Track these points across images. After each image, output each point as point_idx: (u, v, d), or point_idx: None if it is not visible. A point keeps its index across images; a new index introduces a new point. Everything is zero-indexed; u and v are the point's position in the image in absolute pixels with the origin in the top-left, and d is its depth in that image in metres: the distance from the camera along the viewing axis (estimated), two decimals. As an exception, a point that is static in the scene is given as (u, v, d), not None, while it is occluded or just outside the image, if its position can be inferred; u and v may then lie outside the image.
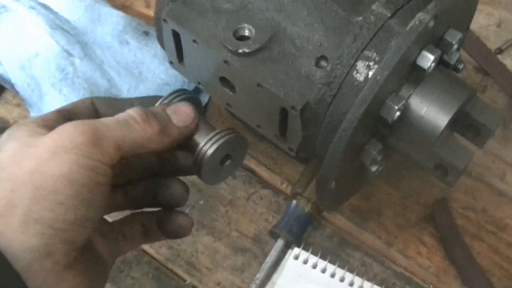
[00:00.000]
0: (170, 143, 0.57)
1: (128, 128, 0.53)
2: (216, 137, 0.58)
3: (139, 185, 0.63)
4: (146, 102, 0.60)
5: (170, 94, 0.61)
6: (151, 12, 0.99)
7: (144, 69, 0.89)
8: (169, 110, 0.58)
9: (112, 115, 0.57)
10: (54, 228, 0.48)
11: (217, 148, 0.58)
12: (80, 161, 0.50)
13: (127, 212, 0.64)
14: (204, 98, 0.89)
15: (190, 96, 0.62)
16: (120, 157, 0.53)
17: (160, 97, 0.63)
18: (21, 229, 0.48)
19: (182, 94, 0.61)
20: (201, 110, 0.63)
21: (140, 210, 0.64)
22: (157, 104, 0.61)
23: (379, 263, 0.80)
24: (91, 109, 0.59)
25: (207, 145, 0.58)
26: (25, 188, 0.49)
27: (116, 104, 0.60)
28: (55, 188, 0.49)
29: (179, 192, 0.62)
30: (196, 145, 0.59)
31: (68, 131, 0.51)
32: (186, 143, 0.59)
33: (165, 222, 0.62)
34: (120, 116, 0.54)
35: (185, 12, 0.68)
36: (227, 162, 0.61)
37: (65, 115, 0.56)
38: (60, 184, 0.49)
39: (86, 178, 0.50)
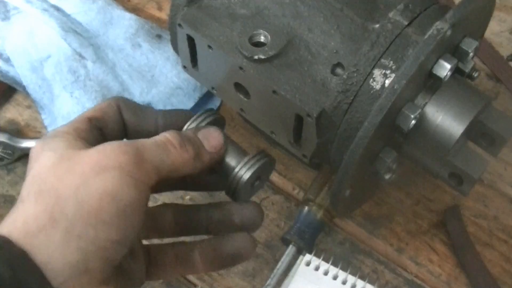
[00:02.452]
0: (203, 167, 0.58)
1: (166, 152, 0.54)
2: (251, 163, 0.60)
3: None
4: (170, 116, 0.61)
5: (199, 116, 0.62)
6: (163, 15, 0.99)
7: (156, 72, 0.89)
8: (200, 135, 0.58)
9: (137, 124, 0.59)
10: (95, 245, 0.48)
11: (252, 174, 0.59)
12: (124, 180, 0.50)
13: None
14: (216, 102, 0.89)
15: (217, 117, 0.63)
16: (158, 180, 0.53)
17: (183, 111, 0.63)
18: (63, 244, 0.48)
19: (209, 116, 0.62)
20: (224, 129, 0.64)
21: (179, 240, 0.63)
22: (185, 126, 0.61)
23: (390, 270, 0.80)
24: (119, 117, 0.59)
25: (242, 170, 0.59)
26: (68, 204, 0.48)
27: (141, 114, 0.60)
28: (99, 206, 0.49)
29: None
30: (228, 169, 0.60)
31: (110, 150, 0.51)
32: (217, 165, 0.60)
33: (220, 249, 0.61)
34: (158, 139, 0.55)
35: (200, 17, 0.68)
36: (257, 183, 0.62)
37: (97, 124, 0.57)
38: (104, 201, 0.49)
39: (129, 196, 0.50)
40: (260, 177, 0.62)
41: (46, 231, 0.48)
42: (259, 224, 0.63)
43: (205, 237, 0.64)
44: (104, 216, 0.49)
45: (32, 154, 0.53)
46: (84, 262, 0.48)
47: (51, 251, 0.47)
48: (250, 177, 0.59)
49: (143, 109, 0.61)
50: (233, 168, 0.60)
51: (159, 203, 0.65)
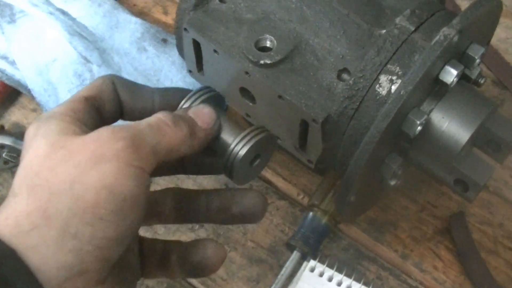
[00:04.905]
0: (199, 145, 0.55)
1: (161, 132, 0.51)
2: (247, 138, 0.57)
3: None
4: (167, 93, 0.59)
5: (193, 94, 0.59)
6: (168, 19, 0.99)
7: (162, 76, 0.89)
8: (191, 113, 0.56)
9: (133, 102, 0.56)
10: (92, 245, 0.45)
11: (249, 149, 0.57)
12: (122, 170, 0.47)
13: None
14: (222, 106, 0.89)
15: (212, 94, 0.60)
16: (157, 163, 0.50)
17: (180, 88, 0.61)
18: (58, 244, 0.45)
19: (204, 94, 0.59)
20: (224, 107, 0.61)
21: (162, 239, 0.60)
22: (180, 105, 0.59)
23: (395, 276, 0.79)
24: (115, 95, 0.56)
25: (238, 146, 0.56)
26: (63, 199, 0.45)
27: (138, 91, 0.58)
28: (96, 201, 0.46)
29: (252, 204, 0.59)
30: (224, 145, 0.57)
31: (106, 137, 0.48)
32: (213, 144, 0.57)
33: (189, 254, 0.58)
34: (151, 120, 0.52)
35: (206, 21, 0.67)
36: (257, 162, 0.59)
37: (94, 104, 0.54)
38: (101, 196, 0.46)
39: (128, 190, 0.47)
40: (259, 154, 0.59)
41: (39, 230, 0.44)
42: (260, 215, 0.59)
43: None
44: (102, 212, 0.45)
45: (26, 139, 0.50)
46: (79, 263, 0.45)
47: (44, 252, 0.44)
48: (247, 153, 0.56)
49: (140, 87, 0.59)
50: (229, 145, 0.57)
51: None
